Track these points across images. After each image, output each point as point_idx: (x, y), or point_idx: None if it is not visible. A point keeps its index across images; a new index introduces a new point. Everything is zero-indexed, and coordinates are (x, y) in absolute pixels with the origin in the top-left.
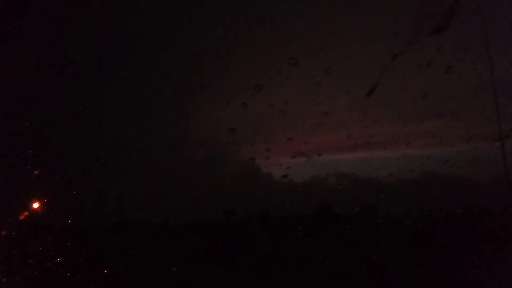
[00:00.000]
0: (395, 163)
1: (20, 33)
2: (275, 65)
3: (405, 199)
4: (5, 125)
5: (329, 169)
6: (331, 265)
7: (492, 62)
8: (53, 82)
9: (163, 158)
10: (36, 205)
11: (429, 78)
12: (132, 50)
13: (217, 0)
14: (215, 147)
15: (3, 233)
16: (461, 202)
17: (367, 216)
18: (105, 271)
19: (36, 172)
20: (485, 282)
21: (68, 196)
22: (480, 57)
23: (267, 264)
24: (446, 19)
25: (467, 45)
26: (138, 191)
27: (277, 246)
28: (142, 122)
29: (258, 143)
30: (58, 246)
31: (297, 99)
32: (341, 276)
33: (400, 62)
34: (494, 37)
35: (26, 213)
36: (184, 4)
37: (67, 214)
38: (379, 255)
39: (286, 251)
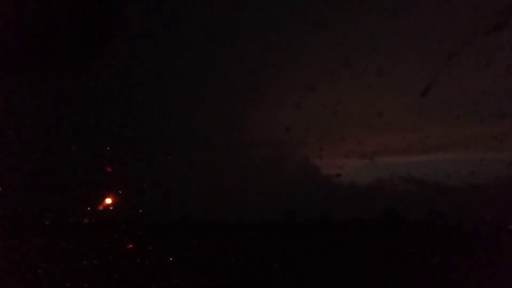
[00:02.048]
0: (453, 165)
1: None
2: (327, 67)
3: (464, 204)
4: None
5: (383, 170)
6: (394, 269)
7: None
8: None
9: (223, 157)
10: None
11: (488, 77)
12: (191, 50)
13: (271, 3)
14: (270, 147)
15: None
16: None
17: (426, 220)
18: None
19: (108, 168)
20: None
21: (133, 193)
22: None
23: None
24: (504, 16)
25: None
26: (199, 190)
27: (336, 250)
28: (202, 122)
29: (311, 143)
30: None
31: (349, 100)
32: (402, 280)
33: (456, 61)
34: None
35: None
36: (242, 9)
37: (132, 210)
38: (440, 259)
39: (347, 256)
